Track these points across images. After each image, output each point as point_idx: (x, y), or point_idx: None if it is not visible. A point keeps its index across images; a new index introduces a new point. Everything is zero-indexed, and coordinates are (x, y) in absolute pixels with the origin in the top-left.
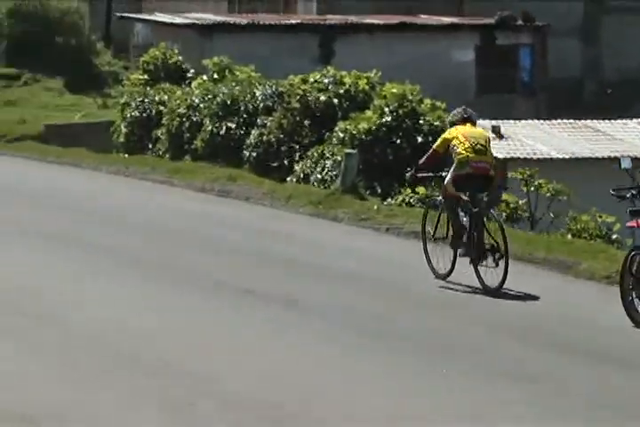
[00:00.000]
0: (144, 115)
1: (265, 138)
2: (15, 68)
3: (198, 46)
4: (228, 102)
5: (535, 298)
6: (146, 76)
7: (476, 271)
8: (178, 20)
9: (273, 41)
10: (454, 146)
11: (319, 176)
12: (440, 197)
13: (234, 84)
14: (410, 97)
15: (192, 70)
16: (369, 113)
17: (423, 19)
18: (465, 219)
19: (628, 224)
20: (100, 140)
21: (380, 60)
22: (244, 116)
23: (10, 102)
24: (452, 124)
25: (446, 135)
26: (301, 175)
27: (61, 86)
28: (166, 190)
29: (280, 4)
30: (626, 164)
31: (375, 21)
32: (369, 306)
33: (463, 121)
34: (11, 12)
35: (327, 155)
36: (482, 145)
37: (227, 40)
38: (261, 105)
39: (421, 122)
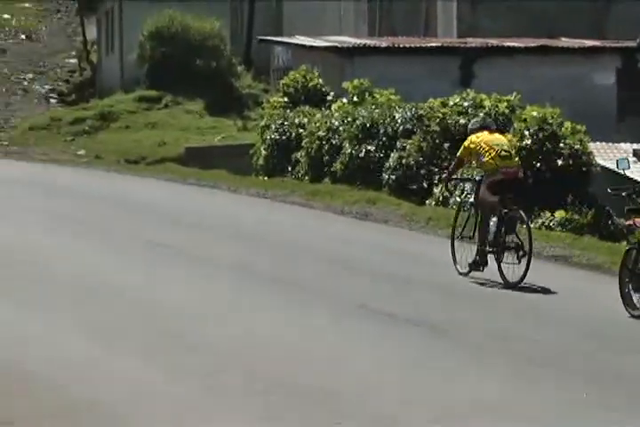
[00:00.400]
0: (284, 137)
1: (404, 161)
2: (156, 90)
3: (338, 69)
4: (368, 125)
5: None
6: (286, 99)
7: (499, 267)
8: (318, 42)
9: (413, 64)
10: (480, 155)
11: (458, 199)
12: (472, 200)
13: (373, 106)
14: (550, 120)
15: (332, 93)
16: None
17: (564, 42)
18: (493, 220)
19: (626, 223)
20: (239, 162)
21: (520, 83)
22: (384, 138)
23: (151, 125)
24: (471, 132)
25: (468, 144)
26: (440, 198)
27: (202, 109)
28: (305, 213)
29: (420, 26)
30: (623, 165)
31: (515, 44)
32: (523, 331)
33: (481, 129)
34: (152, 35)
35: (466, 178)
36: (506, 151)
37: (367, 63)
38: (401, 128)
39: (562, 145)
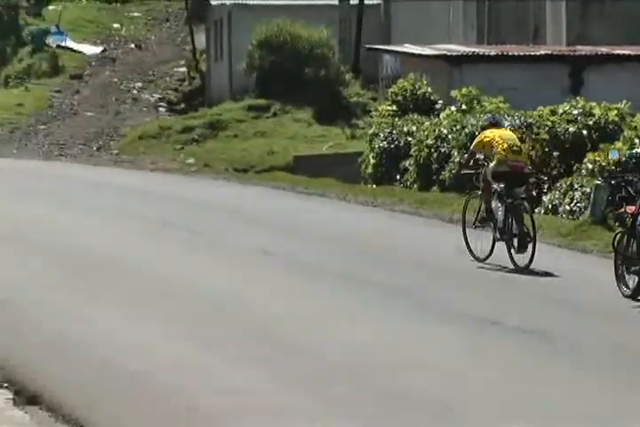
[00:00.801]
0: (392, 146)
1: None
2: (265, 99)
3: (447, 77)
4: (476, 133)
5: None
6: (394, 107)
7: (510, 255)
8: (427, 51)
9: (522, 72)
10: (494, 147)
11: (567, 207)
12: (480, 191)
13: (482, 115)
14: None
15: (440, 101)
16: (619, 144)
17: None
18: (499, 206)
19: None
20: (348, 170)
21: (631, 90)
22: None
23: (259, 133)
24: (483, 128)
25: (483, 137)
26: (550, 206)
27: (310, 117)
28: (414, 221)
29: (529, 34)
30: (614, 155)
31: (625, 52)
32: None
33: (492, 125)
34: (261, 43)
35: (576, 186)
36: (517, 146)
37: (475, 71)
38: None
39: None
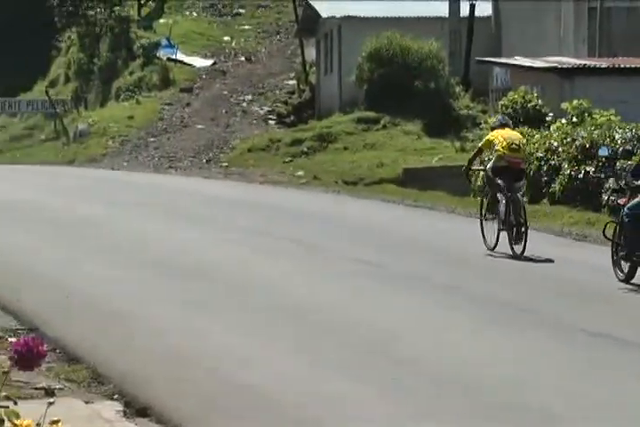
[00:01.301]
0: None
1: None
2: (374, 111)
3: (557, 90)
4: (587, 146)
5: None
6: None
7: (509, 242)
8: (537, 63)
9: (633, 84)
10: (495, 144)
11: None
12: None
13: (592, 127)
14: None
15: (550, 114)
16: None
17: None
18: (501, 199)
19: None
20: (457, 183)
21: None
22: (603, 159)
23: (369, 146)
24: (493, 128)
25: (489, 137)
26: None
27: (419, 130)
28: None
29: None
30: (604, 152)
31: None
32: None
33: (501, 126)
34: (371, 56)
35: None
36: (516, 144)
37: (586, 83)
38: (621, 149)
39: None
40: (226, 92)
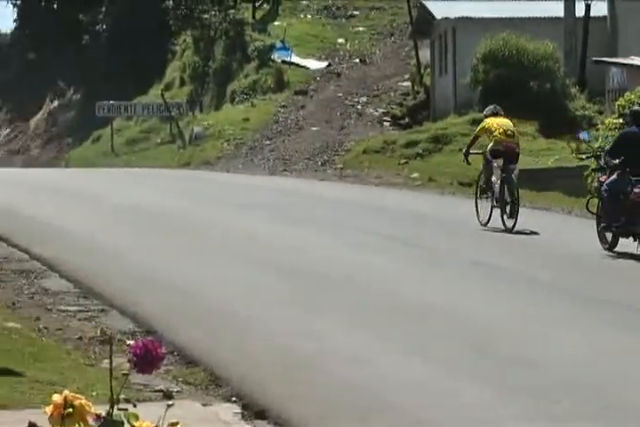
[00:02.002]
0: None
1: None
2: None
3: None
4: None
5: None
6: (621, 120)
7: (501, 218)
8: None
9: None
10: (492, 131)
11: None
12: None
13: None
14: None
15: None
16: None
17: None
18: (496, 179)
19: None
20: (573, 184)
21: None
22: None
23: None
24: (486, 116)
25: (484, 124)
26: None
27: (535, 131)
28: None
29: None
30: (584, 136)
31: None
32: None
33: (493, 115)
34: (486, 57)
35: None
36: (511, 131)
37: None
38: None
39: None
40: (340, 95)
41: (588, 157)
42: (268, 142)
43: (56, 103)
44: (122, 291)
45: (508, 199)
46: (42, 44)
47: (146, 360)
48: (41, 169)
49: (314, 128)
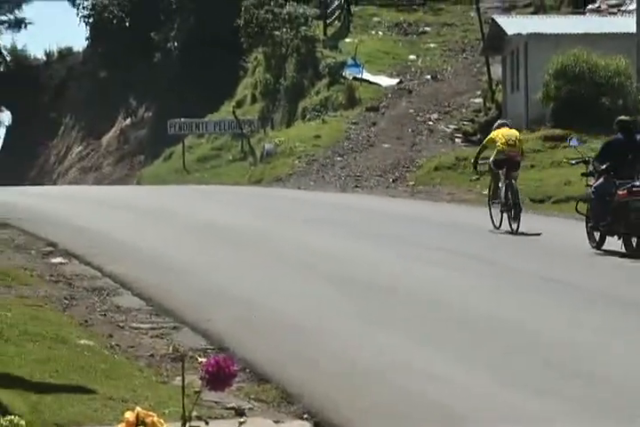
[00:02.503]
0: None
1: None
2: (561, 129)
3: None
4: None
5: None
6: None
7: (509, 221)
8: None
9: None
10: (496, 141)
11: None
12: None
13: None
14: None
15: None
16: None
17: None
18: (502, 186)
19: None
20: None
21: None
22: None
23: (556, 163)
24: (494, 128)
25: (491, 136)
26: None
27: None
28: None
29: None
30: (574, 142)
31: None
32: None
33: (500, 126)
34: (558, 73)
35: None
36: (513, 140)
37: None
38: None
39: None
40: (412, 111)
41: (577, 163)
42: (339, 159)
43: (128, 121)
44: (193, 308)
45: (512, 203)
46: (114, 62)
47: (218, 378)
48: (113, 186)
49: (385, 145)
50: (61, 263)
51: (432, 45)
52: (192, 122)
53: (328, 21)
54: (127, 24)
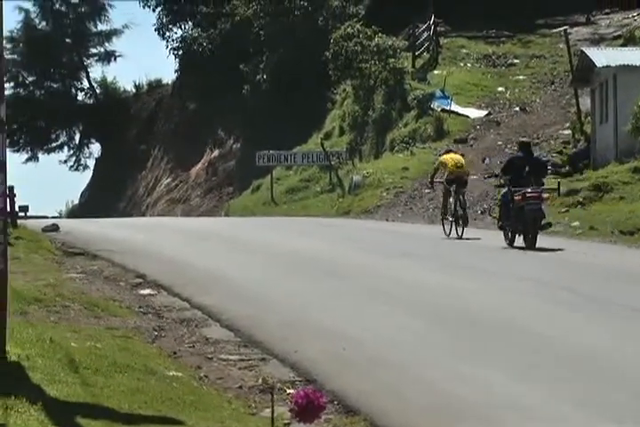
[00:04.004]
0: None
1: None
2: None
3: None
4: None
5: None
6: None
7: (456, 229)
8: None
9: None
10: (446, 164)
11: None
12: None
13: None
14: None
15: None
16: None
17: None
18: (452, 200)
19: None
20: None
21: None
22: None
23: None
24: (442, 154)
25: (442, 160)
26: None
27: None
28: None
29: None
30: (487, 161)
31: None
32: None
33: (447, 152)
34: None
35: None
36: (460, 164)
37: None
38: None
39: None
40: (500, 143)
41: (489, 177)
42: (427, 191)
43: (216, 153)
44: (281, 339)
45: (460, 213)
46: (202, 94)
47: (307, 410)
48: (201, 218)
49: (473, 177)
50: (150, 295)
51: (521, 77)
52: (280, 154)
53: (417, 53)
54: (216, 56)
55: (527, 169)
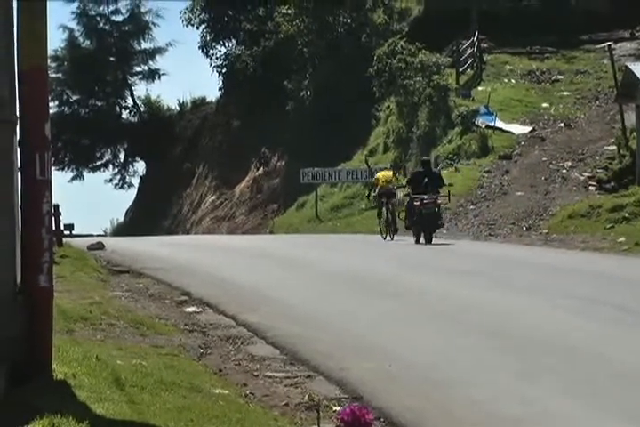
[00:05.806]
0: None
1: None
2: None
3: None
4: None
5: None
6: None
7: (390, 234)
8: None
9: None
10: (380, 180)
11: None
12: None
13: None
14: None
15: None
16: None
17: None
18: (385, 210)
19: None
20: None
21: None
22: None
23: None
24: (378, 171)
25: (377, 176)
26: None
27: None
28: None
29: None
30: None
31: None
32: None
33: (381, 170)
34: None
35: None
36: (390, 179)
37: None
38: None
39: None
40: (545, 159)
41: (400, 187)
42: (472, 207)
43: (261, 170)
44: (328, 357)
45: (390, 220)
46: (246, 112)
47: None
48: (246, 236)
49: (518, 193)
50: (196, 312)
51: (565, 93)
52: (325, 171)
53: (460, 70)
54: (260, 73)
55: (426, 181)
